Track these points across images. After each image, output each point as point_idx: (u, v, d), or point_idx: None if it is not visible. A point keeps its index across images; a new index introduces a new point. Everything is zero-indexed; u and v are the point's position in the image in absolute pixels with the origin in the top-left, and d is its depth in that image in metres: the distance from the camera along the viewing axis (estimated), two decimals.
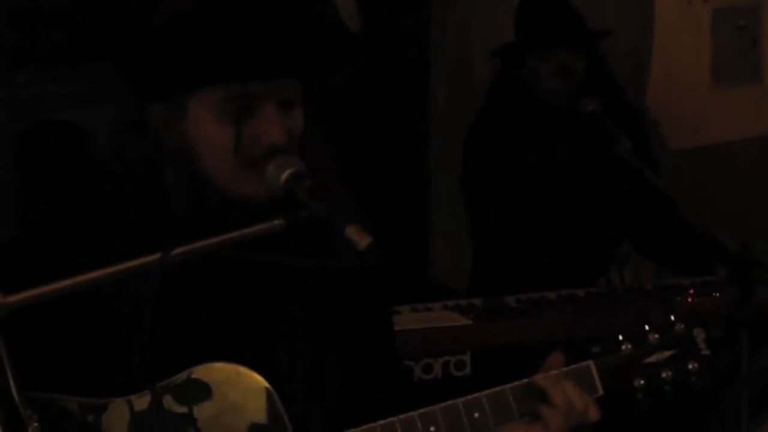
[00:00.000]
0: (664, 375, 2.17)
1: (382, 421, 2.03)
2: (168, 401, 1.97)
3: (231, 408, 1.98)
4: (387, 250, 1.87)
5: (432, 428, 2.05)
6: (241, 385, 1.99)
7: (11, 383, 1.70)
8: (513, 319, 3.52)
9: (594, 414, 2.12)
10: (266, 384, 1.99)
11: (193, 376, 1.98)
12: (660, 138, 4.60)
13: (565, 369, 2.14)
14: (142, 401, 1.98)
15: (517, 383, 2.12)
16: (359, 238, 1.84)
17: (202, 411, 1.98)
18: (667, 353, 2.18)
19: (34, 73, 4.31)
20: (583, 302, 3.65)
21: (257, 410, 1.99)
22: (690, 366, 2.18)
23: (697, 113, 4.82)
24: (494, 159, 4.06)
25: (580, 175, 4.06)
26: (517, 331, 3.44)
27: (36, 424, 1.73)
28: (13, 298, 1.74)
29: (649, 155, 4.00)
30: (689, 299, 2.20)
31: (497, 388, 2.11)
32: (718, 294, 2.97)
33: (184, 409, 1.97)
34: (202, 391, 1.98)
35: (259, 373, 1.99)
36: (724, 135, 4.81)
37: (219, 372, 1.99)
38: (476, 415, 2.08)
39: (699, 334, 2.20)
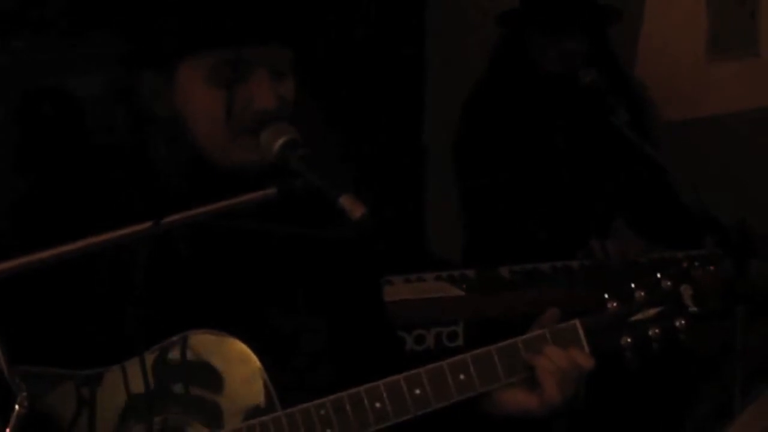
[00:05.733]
0: (650, 332, 2.14)
1: (367, 385, 2.02)
2: (170, 380, 1.97)
3: (233, 389, 1.98)
4: (381, 220, 1.85)
5: (417, 391, 2.04)
6: (238, 362, 1.98)
7: (0, 355, 1.68)
8: (506, 291, 3.51)
9: (586, 362, 2.10)
10: (260, 364, 1.98)
11: (192, 354, 1.97)
12: (652, 110, 4.58)
13: (550, 329, 2.13)
14: (138, 376, 1.96)
15: (502, 344, 2.11)
16: (353, 207, 1.82)
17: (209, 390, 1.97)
18: (653, 310, 2.15)
19: (28, 40, 4.28)
20: (577, 274, 3.64)
21: (256, 393, 1.98)
22: (677, 323, 2.15)
23: (691, 85, 4.78)
24: (492, 126, 4.04)
25: (577, 148, 4.04)
26: (510, 303, 3.43)
27: (24, 394, 1.71)
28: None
29: (647, 130, 3.98)
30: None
31: (483, 349, 2.09)
32: (713, 267, 2.96)
33: (183, 390, 1.97)
34: (207, 370, 1.97)
35: (250, 342, 1.98)
36: (720, 107, 4.77)
37: (217, 347, 1.97)
38: (462, 376, 2.07)
39: (686, 291, 2.17)
